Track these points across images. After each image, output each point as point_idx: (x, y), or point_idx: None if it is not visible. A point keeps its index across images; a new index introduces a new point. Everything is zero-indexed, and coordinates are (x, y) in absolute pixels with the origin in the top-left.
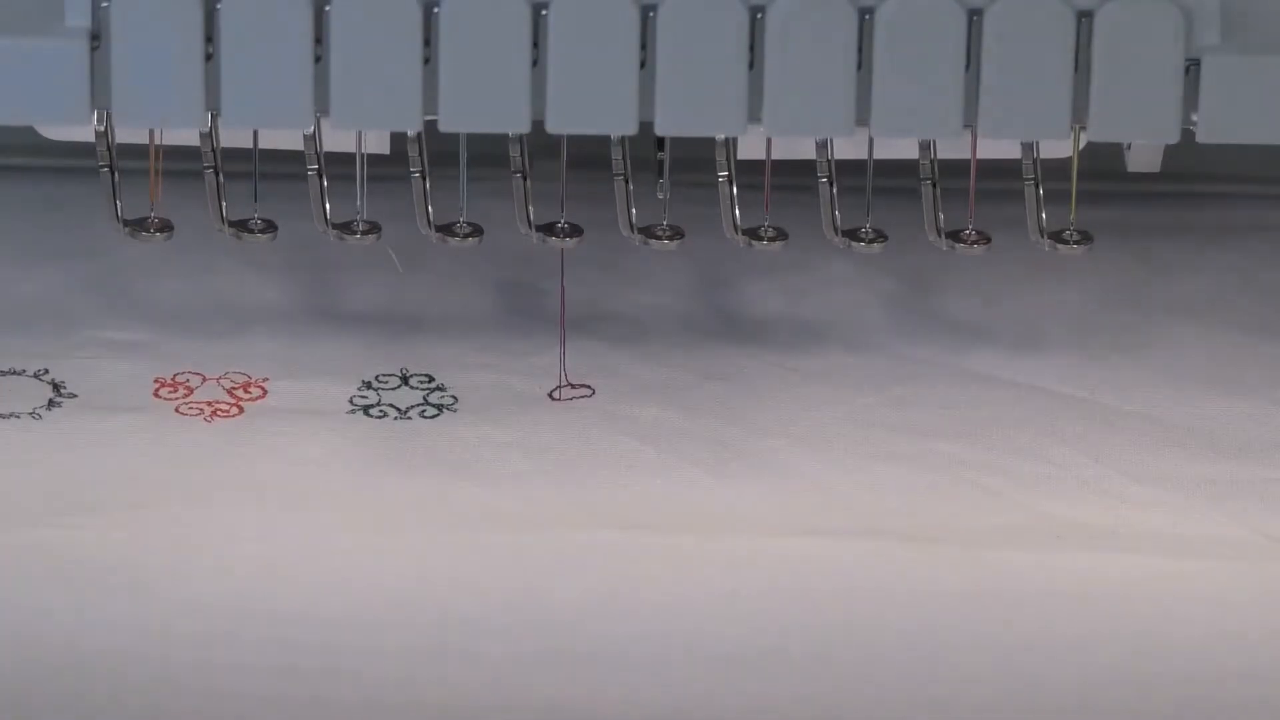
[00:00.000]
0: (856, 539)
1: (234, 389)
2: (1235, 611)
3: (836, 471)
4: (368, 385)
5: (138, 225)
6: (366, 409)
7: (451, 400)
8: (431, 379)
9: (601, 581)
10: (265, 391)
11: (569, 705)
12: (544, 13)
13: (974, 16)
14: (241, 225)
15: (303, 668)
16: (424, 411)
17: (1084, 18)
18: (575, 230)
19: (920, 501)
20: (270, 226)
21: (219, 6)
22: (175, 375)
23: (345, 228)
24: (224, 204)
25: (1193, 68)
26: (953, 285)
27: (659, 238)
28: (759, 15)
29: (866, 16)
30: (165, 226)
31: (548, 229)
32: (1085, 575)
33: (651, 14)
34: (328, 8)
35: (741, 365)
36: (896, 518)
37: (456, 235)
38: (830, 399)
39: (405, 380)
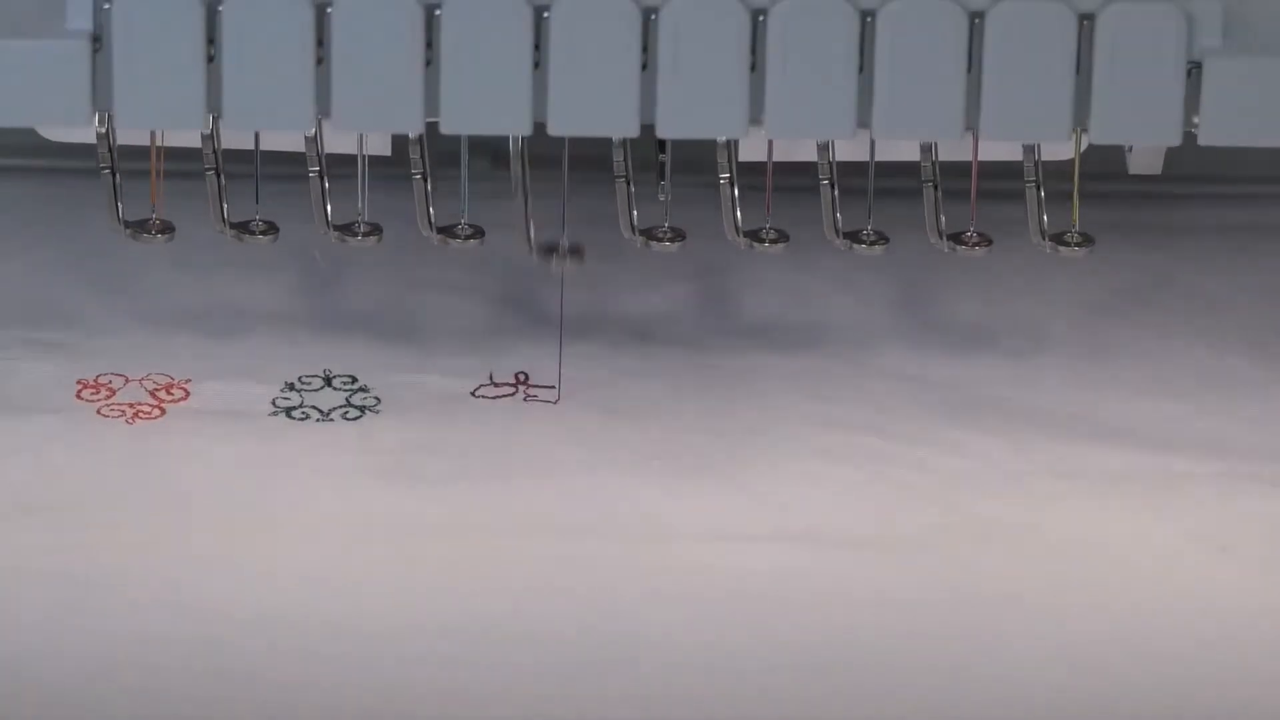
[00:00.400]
0: (792, 544)
1: (156, 390)
2: (1157, 610)
3: (773, 474)
4: (290, 387)
5: (139, 227)
6: (289, 410)
7: (374, 401)
8: (355, 380)
9: (524, 584)
10: (188, 393)
11: (498, 706)
12: (545, 15)
13: (975, 18)
14: (243, 227)
15: (221, 672)
16: (346, 413)
17: (1086, 20)
18: (575, 252)
19: (864, 515)
20: (271, 228)
21: (220, 8)
22: (98, 376)
23: (347, 229)
24: (225, 205)
25: (1194, 70)
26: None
27: (660, 240)
28: (760, 17)
29: (868, 19)
30: (166, 228)
31: (548, 250)
32: (1014, 575)
33: (653, 16)
34: (329, 9)
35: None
36: (835, 525)
37: (458, 237)
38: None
39: (328, 382)
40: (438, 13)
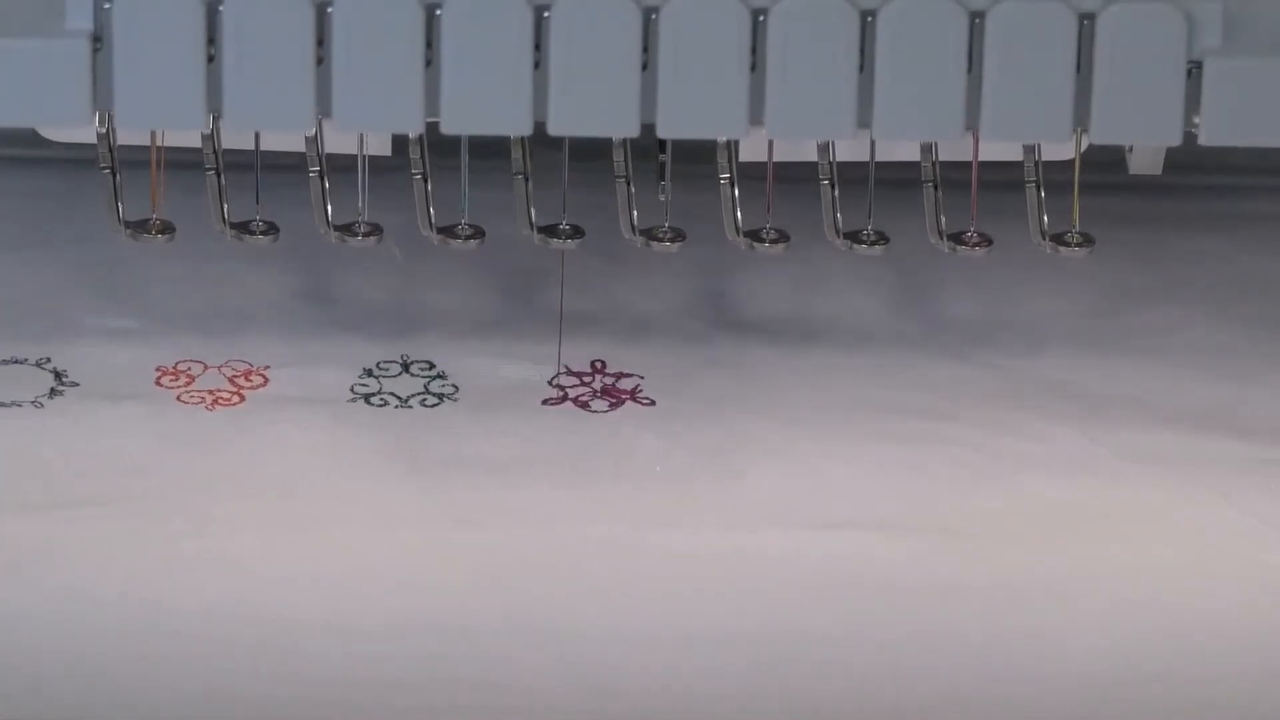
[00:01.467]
0: (856, 530)
1: (235, 377)
2: (1226, 596)
3: (835, 463)
4: (369, 373)
5: (139, 227)
6: (367, 397)
7: (452, 389)
8: (432, 366)
9: (598, 574)
10: (267, 379)
11: (559, 697)
12: (546, 15)
13: (976, 19)
14: (243, 227)
15: (298, 657)
16: (424, 400)
17: (1086, 20)
18: (577, 231)
19: (931, 500)
20: (272, 228)
21: (221, 8)
22: (177, 363)
23: (347, 229)
24: (225, 205)
25: (1194, 70)
26: (954, 287)
27: (660, 240)
28: (761, 17)
29: (869, 19)
30: (167, 228)
31: (549, 231)
32: (1080, 560)
33: (653, 16)
34: (330, 9)
35: (741, 364)
36: (898, 510)
37: (458, 237)
38: (827, 398)
39: (406, 368)
40: (438, 13)
